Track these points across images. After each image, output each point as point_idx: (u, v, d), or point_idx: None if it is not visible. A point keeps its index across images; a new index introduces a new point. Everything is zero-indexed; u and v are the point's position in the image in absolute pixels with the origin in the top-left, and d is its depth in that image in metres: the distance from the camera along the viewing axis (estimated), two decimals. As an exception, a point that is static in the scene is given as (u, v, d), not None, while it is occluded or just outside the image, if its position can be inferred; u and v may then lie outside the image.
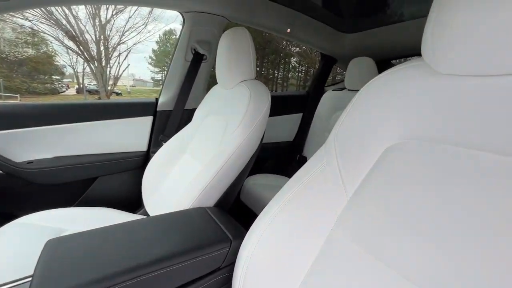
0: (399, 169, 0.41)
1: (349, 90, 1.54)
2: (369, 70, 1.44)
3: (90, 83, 11.18)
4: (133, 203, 1.26)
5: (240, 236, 0.59)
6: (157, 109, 1.26)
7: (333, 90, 1.66)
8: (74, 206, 1.09)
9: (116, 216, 0.97)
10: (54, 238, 0.53)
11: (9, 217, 0.90)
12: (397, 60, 1.80)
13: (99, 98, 9.64)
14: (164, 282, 0.51)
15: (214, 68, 1.31)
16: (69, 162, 1.11)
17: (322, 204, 0.48)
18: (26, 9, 0.89)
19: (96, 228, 0.58)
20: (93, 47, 9.28)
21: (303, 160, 1.67)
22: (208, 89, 1.36)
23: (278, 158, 1.75)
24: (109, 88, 9.90)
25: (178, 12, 1.13)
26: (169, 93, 1.27)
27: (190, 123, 1.19)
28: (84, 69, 10.47)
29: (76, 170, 1.13)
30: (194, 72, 1.24)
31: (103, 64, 9.29)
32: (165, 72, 1.34)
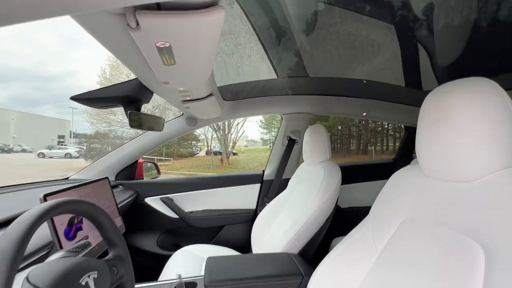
0: (406, 238, 0.66)
1: None
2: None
3: (215, 146, 14.30)
4: (244, 246, 1.73)
5: (311, 274, 0.89)
6: (263, 179, 1.79)
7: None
8: (210, 244, 1.66)
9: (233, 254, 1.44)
10: (212, 256, 1.02)
11: (177, 246, 1.54)
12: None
13: (221, 158, 12.10)
14: None
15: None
16: (211, 214, 1.74)
17: (361, 256, 0.75)
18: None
19: (231, 255, 1.05)
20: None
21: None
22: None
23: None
24: (229, 149, 12.23)
25: (280, 115, 1.71)
26: (272, 167, 1.80)
27: (285, 190, 1.61)
28: (212, 136, 13.72)
29: (214, 219, 1.73)
30: (288, 152, 1.73)
31: (226, 132, 11.82)
32: (272, 133, 1.84)
